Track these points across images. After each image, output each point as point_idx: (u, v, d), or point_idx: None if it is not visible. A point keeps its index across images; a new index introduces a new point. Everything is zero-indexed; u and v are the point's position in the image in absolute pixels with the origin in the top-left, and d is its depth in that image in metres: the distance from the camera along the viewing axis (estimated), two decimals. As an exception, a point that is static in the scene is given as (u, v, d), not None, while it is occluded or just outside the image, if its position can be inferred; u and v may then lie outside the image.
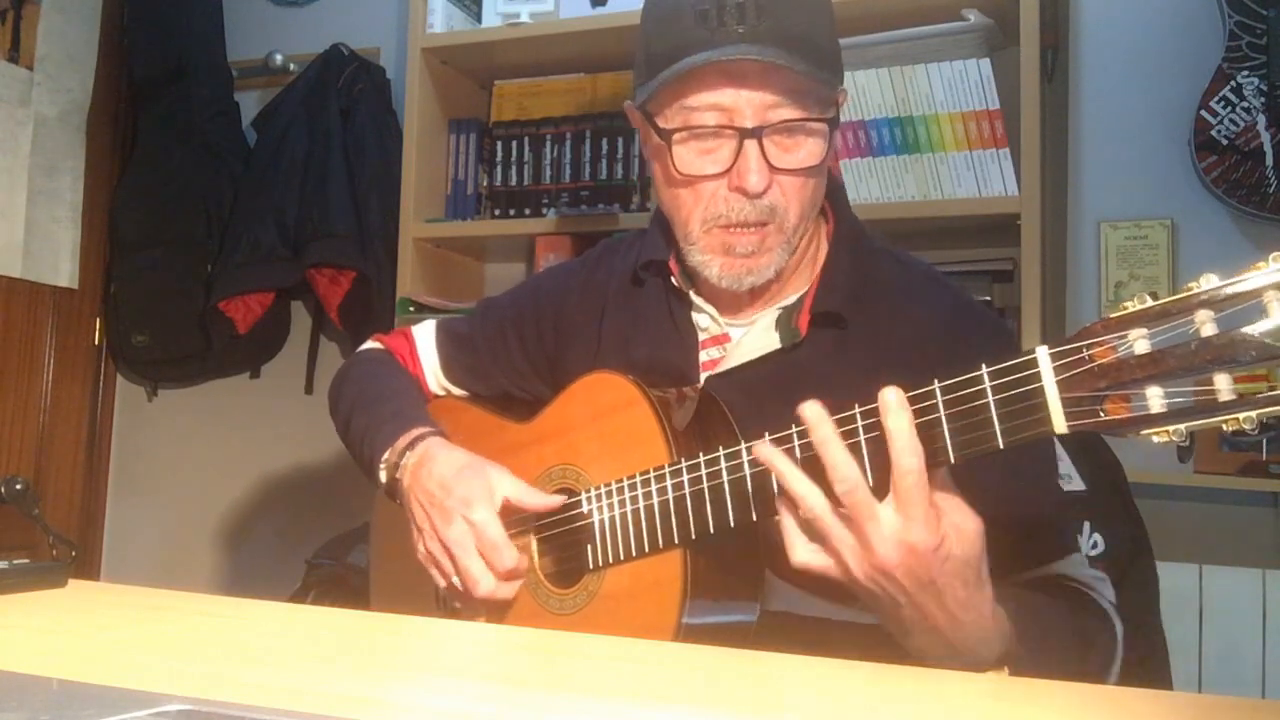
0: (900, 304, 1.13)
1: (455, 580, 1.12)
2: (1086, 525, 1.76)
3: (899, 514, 0.83)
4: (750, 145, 1.05)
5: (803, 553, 0.89)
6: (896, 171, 2.02)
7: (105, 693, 0.66)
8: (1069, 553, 1.09)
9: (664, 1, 1.11)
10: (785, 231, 1.09)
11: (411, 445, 1.19)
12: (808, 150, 1.07)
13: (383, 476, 1.21)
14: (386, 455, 1.20)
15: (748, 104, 1.05)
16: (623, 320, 1.25)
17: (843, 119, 2.02)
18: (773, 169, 1.06)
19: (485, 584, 1.10)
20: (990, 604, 0.89)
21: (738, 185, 1.06)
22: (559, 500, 1.13)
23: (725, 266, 1.10)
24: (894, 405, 0.84)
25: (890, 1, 2.02)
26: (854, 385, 0.91)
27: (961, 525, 0.86)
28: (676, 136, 1.08)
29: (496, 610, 1.16)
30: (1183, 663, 1.84)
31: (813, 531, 0.88)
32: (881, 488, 0.85)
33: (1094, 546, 1.76)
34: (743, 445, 0.98)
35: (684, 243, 1.13)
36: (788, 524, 0.90)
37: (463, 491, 1.11)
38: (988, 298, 2.05)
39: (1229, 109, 2.05)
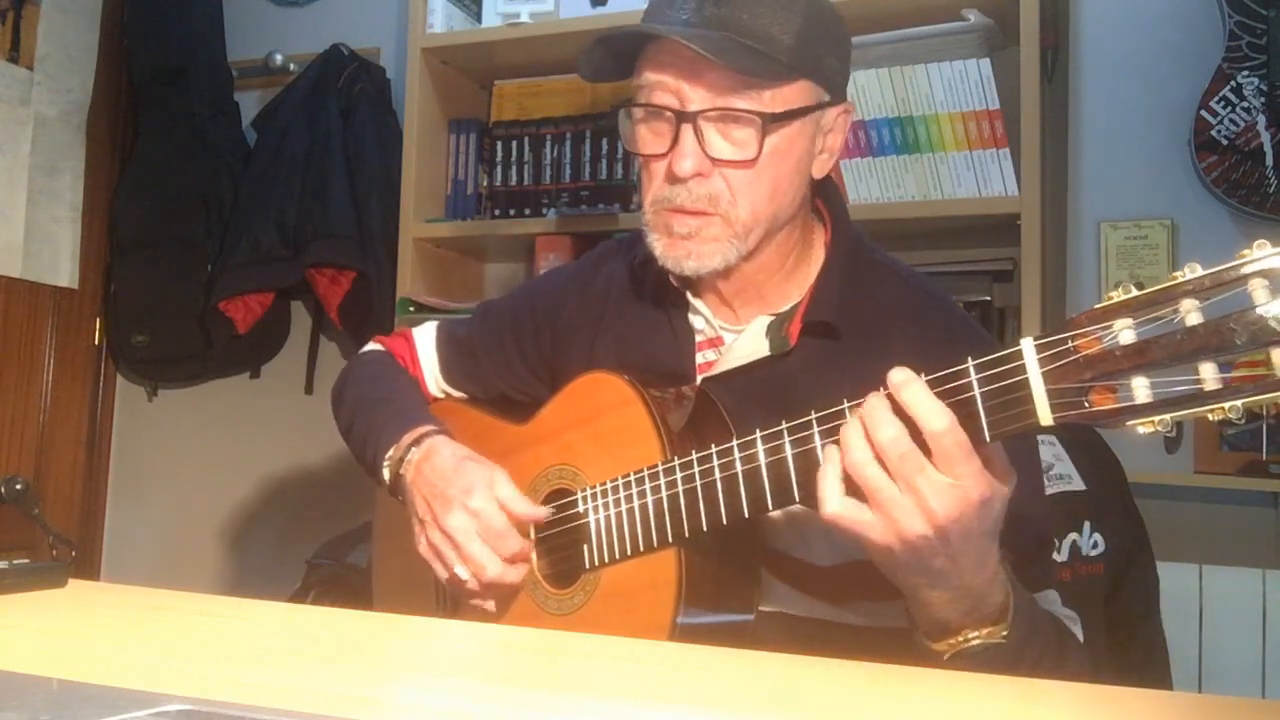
0: (895, 321, 1.12)
1: (458, 570, 1.11)
2: (1087, 525, 1.77)
3: (948, 473, 0.82)
4: (685, 129, 1.06)
5: (836, 504, 0.85)
6: (896, 171, 2.02)
7: (105, 693, 0.65)
8: (1043, 588, 1.08)
9: None
10: (733, 224, 1.08)
11: (417, 441, 1.19)
12: (742, 140, 1.06)
13: (386, 474, 1.21)
14: (390, 453, 1.20)
15: (691, 88, 1.06)
16: (621, 323, 1.25)
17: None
18: (713, 160, 1.06)
19: (492, 568, 1.10)
20: (995, 546, 0.88)
21: (669, 170, 1.08)
22: (546, 511, 1.13)
23: (667, 246, 1.10)
24: (903, 382, 0.83)
25: (890, 1, 2.02)
26: (842, 397, 0.91)
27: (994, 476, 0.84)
28: (635, 113, 1.11)
29: (500, 600, 1.16)
30: (1183, 663, 1.84)
31: (854, 486, 0.85)
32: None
33: (1094, 546, 1.76)
34: (735, 442, 0.98)
35: (644, 224, 1.14)
36: (828, 473, 0.86)
37: (464, 481, 1.11)
38: (988, 297, 2.05)
39: (1229, 109, 2.05)
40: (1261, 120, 2.03)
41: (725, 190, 1.07)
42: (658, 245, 1.11)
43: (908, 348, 1.05)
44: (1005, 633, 0.90)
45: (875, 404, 0.84)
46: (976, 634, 0.90)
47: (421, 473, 1.16)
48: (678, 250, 1.10)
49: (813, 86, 1.09)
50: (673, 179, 1.07)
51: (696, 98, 1.06)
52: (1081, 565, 1.75)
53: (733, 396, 1.11)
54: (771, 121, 1.06)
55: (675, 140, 1.07)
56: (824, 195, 1.20)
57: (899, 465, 0.82)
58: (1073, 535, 1.75)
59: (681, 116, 1.06)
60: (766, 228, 1.11)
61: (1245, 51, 2.04)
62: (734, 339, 1.17)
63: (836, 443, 0.87)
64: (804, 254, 1.18)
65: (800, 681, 0.79)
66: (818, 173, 1.14)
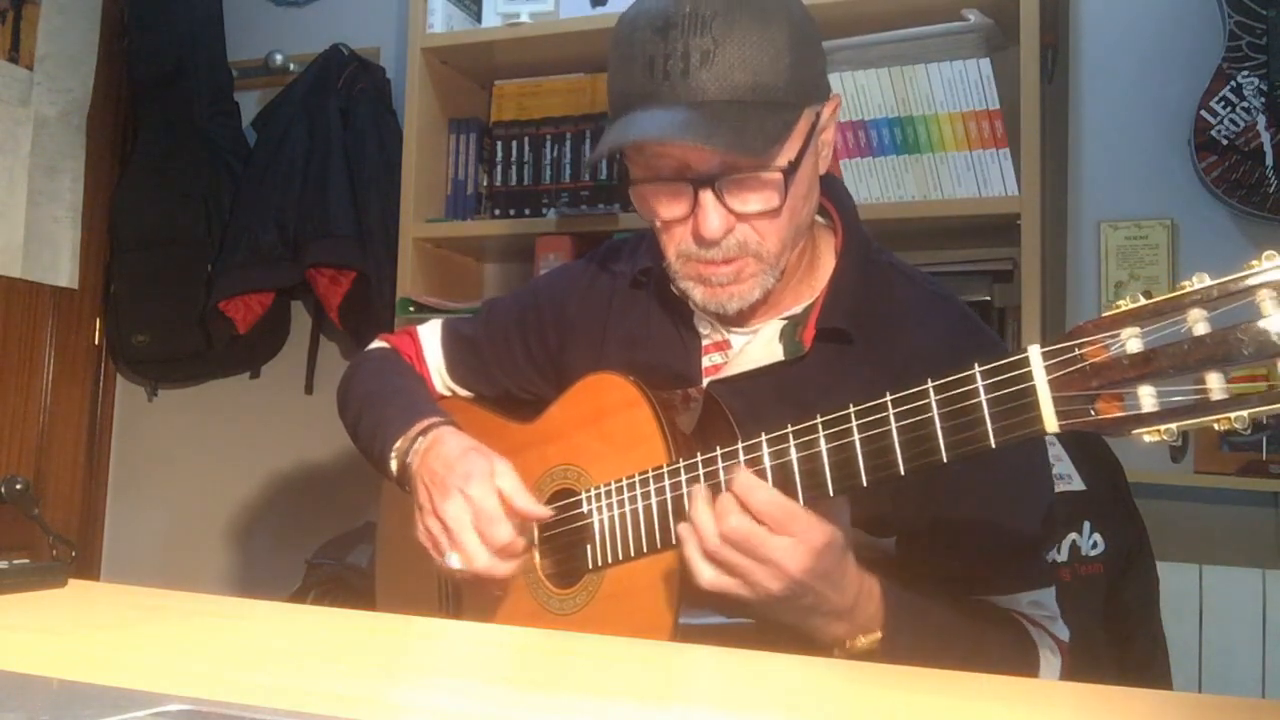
0: (906, 323, 1.12)
1: (450, 558, 1.11)
2: (1087, 525, 1.77)
3: (785, 533, 0.93)
4: (705, 195, 1.04)
5: (710, 575, 0.96)
6: (896, 171, 2.02)
7: (105, 693, 0.65)
8: (1018, 590, 1.11)
9: (623, 34, 1.09)
10: (765, 260, 1.08)
11: (424, 432, 1.19)
12: (765, 195, 1.05)
13: (393, 466, 1.20)
14: (398, 444, 1.20)
15: (698, 153, 1.03)
16: (627, 322, 1.25)
17: (842, 119, 2.03)
18: (738, 215, 1.05)
19: (480, 559, 1.09)
20: (849, 567, 0.98)
21: (696, 233, 1.06)
22: (547, 512, 1.12)
23: (706, 294, 1.10)
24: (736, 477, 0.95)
25: (890, 1, 2.02)
26: (855, 401, 0.92)
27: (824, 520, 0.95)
28: (642, 184, 1.08)
29: (501, 591, 1.15)
30: (1183, 663, 1.84)
31: (711, 558, 0.96)
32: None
33: (1094, 546, 1.76)
34: (740, 445, 0.98)
35: (669, 271, 1.12)
36: (691, 550, 0.96)
37: (464, 468, 1.11)
38: (987, 297, 2.05)
39: (1229, 109, 2.05)
40: (1261, 120, 2.03)
41: (753, 234, 1.06)
42: (696, 293, 1.10)
43: (918, 350, 1.07)
44: (879, 634, 1.00)
45: (722, 498, 0.95)
46: (860, 640, 1.00)
47: (425, 461, 1.15)
48: (720, 296, 1.09)
49: (811, 108, 1.08)
50: (701, 240, 1.06)
51: (709, 163, 1.03)
52: (1081, 565, 1.75)
53: (742, 400, 1.11)
54: (792, 172, 1.05)
55: (695, 203, 1.05)
56: (830, 194, 1.20)
57: (748, 545, 0.93)
58: (1073, 535, 1.75)
59: (699, 182, 1.04)
60: (793, 247, 1.11)
61: (1245, 51, 2.04)
62: (744, 342, 1.17)
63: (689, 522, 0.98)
64: (814, 255, 1.18)
65: (800, 682, 0.79)
66: (820, 169, 1.14)
